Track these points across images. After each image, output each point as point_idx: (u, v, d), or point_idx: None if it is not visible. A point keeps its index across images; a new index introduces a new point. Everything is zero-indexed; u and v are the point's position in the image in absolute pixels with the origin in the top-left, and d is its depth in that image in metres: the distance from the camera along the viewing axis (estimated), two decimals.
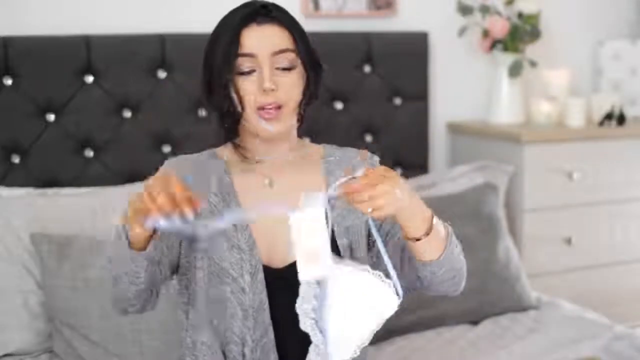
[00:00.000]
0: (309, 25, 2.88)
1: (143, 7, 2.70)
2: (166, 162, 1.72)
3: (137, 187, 2.47)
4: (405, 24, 3.06)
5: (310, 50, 1.68)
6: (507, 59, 3.06)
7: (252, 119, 1.63)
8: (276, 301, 1.65)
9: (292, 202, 1.66)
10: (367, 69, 2.94)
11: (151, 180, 1.45)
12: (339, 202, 1.65)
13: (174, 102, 2.64)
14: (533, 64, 3.06)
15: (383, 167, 1.52)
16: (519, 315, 2.62)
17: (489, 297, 2.63)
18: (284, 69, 1.63)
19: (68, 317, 2.22)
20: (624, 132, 3.10)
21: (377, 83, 2.95)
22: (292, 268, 1.61)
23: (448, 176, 2.93)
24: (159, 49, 2.63)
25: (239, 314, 1.63)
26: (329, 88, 2.87)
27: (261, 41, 1.62)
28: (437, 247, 1.60)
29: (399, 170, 3.01)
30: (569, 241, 3.02)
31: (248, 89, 1.62)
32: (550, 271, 3.02)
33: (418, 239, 1.56)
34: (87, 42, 2.55)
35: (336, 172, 1.71)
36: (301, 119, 1.73)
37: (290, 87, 1.63)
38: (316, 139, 2.84)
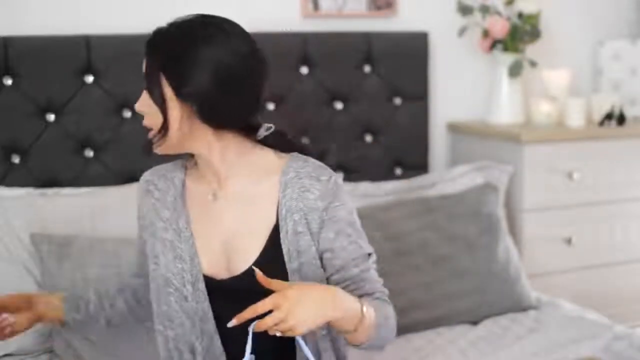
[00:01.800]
0: (308, 25, 2.92)
1: (143, 7, 2.70)
2: (143, 175, 1.79)
3: (137, 187, 2.48)
4: (405, 24, 3.06)
5: (175, 78, 1.60)
6: (507, 59, 3.06)
7: None
8: (221, 311, 1.67)
9: (236, 212, 1.68)
10: (367, 69, 2.94)
11: None
12: (289, 224, 1.66)
13: None
14: (533, 64, 3.06)
15: (279, 294, 1.50)
16: (519, 315, 2.62)
17: (489, 297, 2.63)
18: (148, 93, 1.64)
19: None
20: (624, 132, 3.10)
21: (377, 83, 2.95)
22: (231, 280, 1.66)
23: (448, 176, 2.93)
24: None
25: (186, 323, 1.68)
26: (329, 88, 2.87)
27: None
28: (365, 334, 1.62)
29: (399, 171, 3.02)
30: (569, 241, 3.02)
31: None
32: (550, 271, 3.02)
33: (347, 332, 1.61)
34: (87, 42, 2.55)
35: (288, 189, 1.68)
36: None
37: (148, 112, 1.64)
38: (316, 139, 2.87)
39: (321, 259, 1.68)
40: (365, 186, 2.85)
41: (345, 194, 1.71)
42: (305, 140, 2.87)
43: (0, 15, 2.53)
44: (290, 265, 1.65)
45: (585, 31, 3.42)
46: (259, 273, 1.53)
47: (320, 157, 1.78)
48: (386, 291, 1.73)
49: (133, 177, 2.58)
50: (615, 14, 3.48)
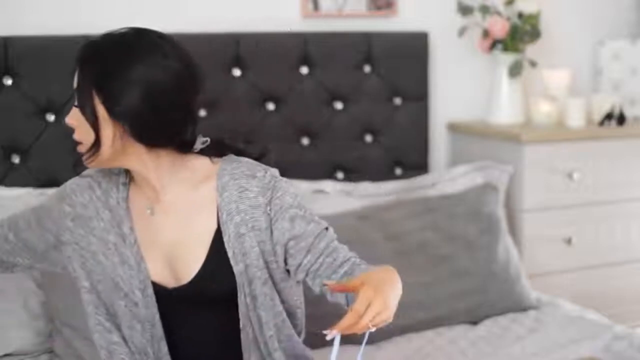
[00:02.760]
0: (308, 25, 2.92)
1: (143, 8, 2.70)
2: (87, 170, 1.76)
3: None
4: (405, 24, 3.06)
5: (108, 96, 1.58)
6: (507, 59, 3.06)
7: None
8: (171, 317, 1.70)
9: (176, 222, 1.69)
10: (367, 69, 2.94)
11: None
12: (231, 227, 1.66)
13: None
14: (533, 64, 3.06)
15: (366, 288, 1.45)
16: (519, 315, 2.62)
17: (489, 297, 2.63)
18: (78, 108, 1.62)
19: (68, 317, 2.22)
20: (624, 132, 3.10)
21: (377, 83, 2.95)
22: (182, 289, 1.68)
23: (448, 176, 2.93)
24: None
25: (137, 327, 1.70)
26: (329, 88, 2.87)
27: None
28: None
29: (399, 171, 3.02)
30: (569, 241, 3.02)
31: None
32: (550, 271, 3.02)
33: None
34: None
35: (226, 193, 1.68)
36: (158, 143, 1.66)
37: (78, 126, 1.62)
38: (316, 139, 2.86)
39: (285, 251, 1.69)
40: (365, 186, 2.85)
41: (284, 182, 1.71)
42: (304, 141, 2.87)
43: (0, 15, 2.53)
44: (237, 267, 1.67)
45: (585, 31, 3.42)
46: (330, 283, 1.51)
47: (259, 157, 1.76)
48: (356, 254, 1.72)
49: None
50: (615, 14, 3.48)
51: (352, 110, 2.92)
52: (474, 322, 2.59)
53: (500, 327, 2.55)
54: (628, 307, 3.15)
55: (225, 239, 1.67)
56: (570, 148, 3.00)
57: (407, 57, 2.99)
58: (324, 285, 1.57)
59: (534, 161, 2.94)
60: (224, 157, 1.73)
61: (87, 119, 1.59)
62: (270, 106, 2.81)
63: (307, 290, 1.77)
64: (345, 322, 1.40)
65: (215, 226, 1.68)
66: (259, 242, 1.67)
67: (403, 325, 2.46)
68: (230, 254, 1.66)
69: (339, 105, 2.91)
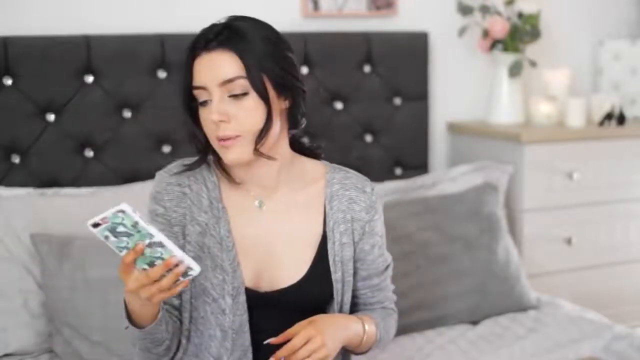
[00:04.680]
0: (308, 25, 2.92)
1: (143, 7, 2.70)
2: (160, 173, 1.69)
3: (137, 188, 2.49)
4: (405, 24, 3.06)
5: (273, 74, 1.58)
6: (507, 59, 3.06)
7: (215, 147, 1.61)
8: (259, 324, 1.66)
9: (283, 222, 1.67)
10: (367, 69, 2.94)
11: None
12: (337, 235, 1.69)
13: (174, 102, 2.62)
14: (533, 64, 3.06)
15: (307, 330, 1.57)
16: (519, 315, 2.62)
17: (489, 297, 2.63)
18: (237, 98, 1.56)
19: (68, 317, 2.22)
20: (624, 132, 3.10)
21: (377, 83, 2.95)
22: (277, 293, 1.65)
23: (448, 176, 2.93)
24: (159, 49, 2.63)
25: (217, 334, 1.64)
26: (329, 88, 2.87)
27: (209, 71, 1.57)
28: (367, 346, 1.73)
29: (399, 171, 3.02)
30: (569, 241, 3.02)
31: (206, 120, 1.59)
32: (550, 271, 3.02)
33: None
34: (87, 42, 2.55)
35: (335, 201, 1.70)
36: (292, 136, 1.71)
37: (243, 116, 1.56)
38: (316, 139, 2.86)
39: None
40: None
41: (380, 205, 1.76)
42: (304, 141, 2.87)
43: (0, 15, 2.53)
44: (335, 275, 1.68)
45: (585, 31, 3.42)
46: (275, 340, 1.58)
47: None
48: (394, 297, 1.83)
49: (133, 177, 2.58)
50: (615, 14, 3.48)
51: (352, 110, 2.92)
52: (474, 322, 2.59)
53: (500, 327, 2.55)
54: (628, 307, 3.15)
55: (329, 245, 1.68)
56: (570, 148, 3.00)
57: (407, 57, 2.99)
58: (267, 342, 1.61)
59: (534, 161, 2.94)
60: (327, 163, 1.75)
61: (264, 100, 1.56)
62: None
63: None
64: (281, 353, 1.55)
65: (320, 232, 1.69)
66: (353, 254, 1.72)
67: (404, 325, 2.46)
68: (331, 261, 1.68)
69: (339, 105, 2.91)
